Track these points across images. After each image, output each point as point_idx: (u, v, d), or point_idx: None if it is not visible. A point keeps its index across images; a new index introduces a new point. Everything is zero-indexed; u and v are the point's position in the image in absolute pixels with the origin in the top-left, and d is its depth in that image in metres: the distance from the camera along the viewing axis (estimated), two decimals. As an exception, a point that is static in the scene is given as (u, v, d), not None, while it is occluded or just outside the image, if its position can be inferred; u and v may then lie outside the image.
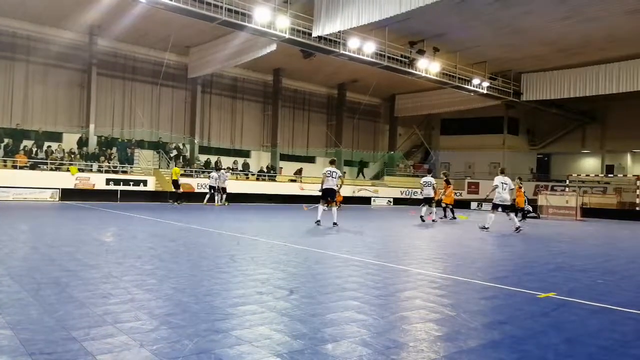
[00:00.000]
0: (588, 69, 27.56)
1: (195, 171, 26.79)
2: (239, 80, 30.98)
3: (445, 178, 19.96)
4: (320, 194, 13.24)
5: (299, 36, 21.46)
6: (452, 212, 19.40)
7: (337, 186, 13.08)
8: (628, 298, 5.49)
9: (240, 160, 29.99)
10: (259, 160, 31.81)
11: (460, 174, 36.92)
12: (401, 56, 25.17)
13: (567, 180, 26.49)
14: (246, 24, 19.83)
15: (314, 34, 21.33)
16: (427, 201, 16.91)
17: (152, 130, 27.45)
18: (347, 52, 22.97)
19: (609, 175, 32.14)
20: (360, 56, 23.41)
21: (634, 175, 28.22)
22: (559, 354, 3.48)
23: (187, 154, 28.46)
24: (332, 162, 13.74)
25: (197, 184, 25.00)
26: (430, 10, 19.58)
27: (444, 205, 19.40)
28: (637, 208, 25.06)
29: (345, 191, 30.39)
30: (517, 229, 13.78)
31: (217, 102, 30.33)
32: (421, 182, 17.50)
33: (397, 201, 32.46)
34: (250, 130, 31.64)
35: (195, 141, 28.79)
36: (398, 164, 38.44)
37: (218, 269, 6.16)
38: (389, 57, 24.47)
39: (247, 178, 28.62)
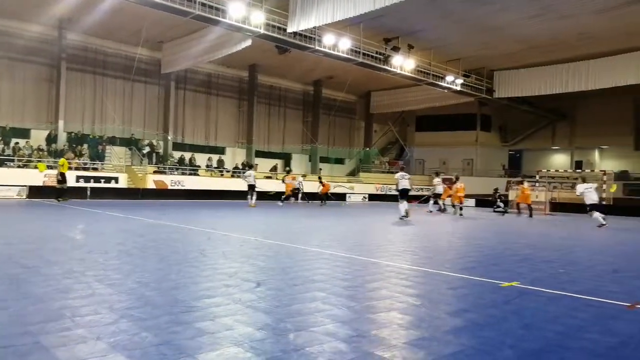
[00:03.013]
0: (558, 67, 28.15)
1: (169, 168, 26.44)
2: (213, 76, 30.66)
3: (520, 181, 22.11)
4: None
5: (273, 32, 21.35)
6: (518, 209, 21.72)
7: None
8: (588, 286, 5.64)
9: (215, 157, 29.71)
10: (234, 157, 31.59)
11: (435, 170, 37.33)
12: (376, 53, 25.28)
13: (537, 176, 27.05)
14: (220, 18, 19.62)
15: (289, 30, 21.24)
16: (404, 194, 17.02)
17: (124, 127, 26.97)
18: (322, 48, 22.96)
19: (578, 170, 32.95)
20: (336, 52, 23.43)
21: (601, 171, 28.99)
22: (517, 339, 3.55)
23: (161, 151, 28.06)
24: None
25: (171, 181, 24.68)
26: (405, 8, 19.70)
27: (516, 203, 21.61)
28: (604, 202, 25.75)
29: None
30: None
31: (191, 98, 29.97)
32: (396, 176, 17.68)
33: (373, 197, 32.65)
34: (225, 126, 31.37)
35: (169, 138, 28.40)
36: (373, 161, 38.67)
37: (186, 263, 6.10)
38: (364, 54, 24.55)
39: (222, 175, 28.39)
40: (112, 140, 26.30)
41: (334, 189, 30.73)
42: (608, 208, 24.50)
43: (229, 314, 3.84)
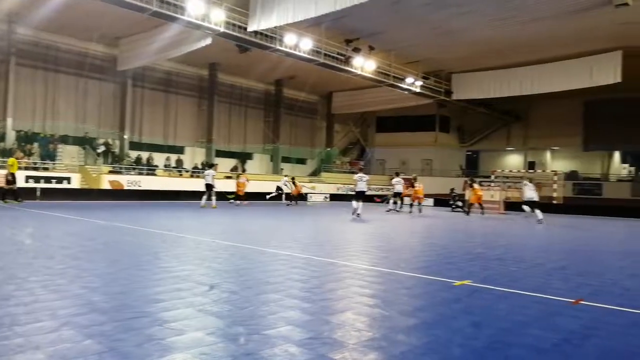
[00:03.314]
0: (513, 70, 29.04)
1: (125, 168, 25.71)
2: (172, 74, 30.03)
3: (470, 182, 22.74)
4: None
5: (234, 30, 21.10)
6: (469, 208, 22.18)
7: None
8: (536, 284, 5.84)
9: (174, 157, 29.11)
10: (194, 156, 31.04)
11: (395, 170, 37.88)
12: (337, 54, 25.40)
13: (493, 176, 27.87)
14: (179, 16, 19.22)
15: (250, 29, 21.05)
16: (359, 195, 17.30)
17: (78, 125, 26.02)
18: (283, 48, 22.88)
19: (530, 171, 34.15)
20: (297, 52, 23.39)
21: (552, 171, 30.15)
22: (465, 337, 3.63)
23: (117, 150, 27.24)
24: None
25: (127, 181, 24.00)
26: (366, 9, 19.88)
27: (469, 203, 22.25)
28: (554, 201, 26.83)
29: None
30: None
31: (149, 96, 29.24)
32: (354, 177, 18.09)
33: (335, 197, 32.79)
34: (184, 125, 30.78)
35: (125, 137, 27.61)
36: (335, 161, 38.86)
37: (137, 266, 5.93)
38: (325, 55, 24.62)
39: (181, 175, 27.84)
40: (65, 139, 25.33)
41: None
42: (558, 207, 25.52)
43: (179, 318, 3.76)
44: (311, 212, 20.15)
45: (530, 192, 18.48)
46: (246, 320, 3.79)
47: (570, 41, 24.87)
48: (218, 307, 4.14)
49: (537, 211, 17.73)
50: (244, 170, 24.60)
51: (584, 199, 30.34)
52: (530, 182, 19.63)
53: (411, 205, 22.02)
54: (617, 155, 37.48)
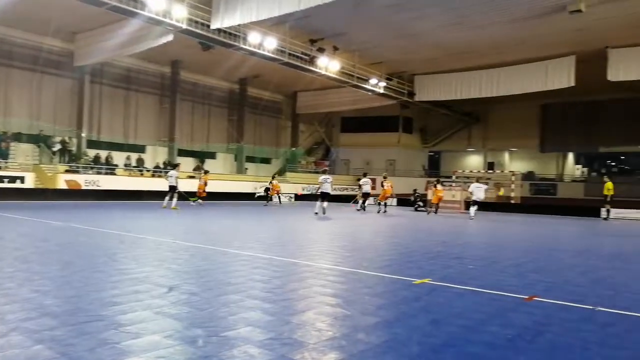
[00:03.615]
0: (473, 73, 29.76)
1: (83, 167, 24.89)
2: (133, 71, 29.26)
3: (435, 183, 23.09)
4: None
5: (197, 27, 20.73)
6: (431, 207, 22.68)
7: None
8: (492, 281, 6.00)
9: (135, 156, 28.40)
10: (155, 155, 30.36)
11: (359, 170, 38.20)
12: (302, 53, 25.37)
13: (454, 176, 28.49)
14: (139, 11, 18.72)
15: (213, 26, 20.74)
16: (324, 196, 17.46)
17: (32, 122, 25.01)
18: (247, 47, 22.65)
19: (490, 171, 35.13)
20: (261, 51, 23.21)
21: (510, 171, 31.10)
22: (424, 335, 3.69)
23: (74, 149, 26.33)
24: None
25: (85, 180, 23.24)
26: (330, 10, 19.91)
27: (431, 203, 22.75)
28: (512, 201, 27.68)
29: (248, 188, 30.16)
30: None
31: (109, 93, 28.39)
32: (320, 179, 18.29)
33: (299, 197, 32.74)
34: (145, 124, 30.05)
35: (83, 135, 26.71)
36: (300, 161, 38.83)
37: (93, 269, 5.75)
38: (289, 54, 24.53)
39: (142, 174, 27.18)
40: (18, 137, 24.30)
41: (260, 188, 30.50)
42: (515, 206, 26.32)
43: (136, 321, 3.66)
44: (277, 212, 20.06)
45: (479, 193, 19.84)
46: (205, 322, 3.73)
47: (527, 46, 25.69)
48: (176, 309, 4.06)
49: (472, 209, 19.47)
50: (206, 172, 24.18)
51: (540, 199, 31.41)
52: (477, 181, 21.17)
53: (379, 204, 22.30)
54: (571, 157, 39.00)
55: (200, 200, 21.82)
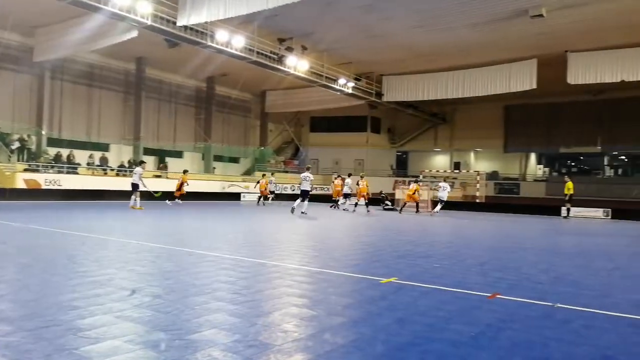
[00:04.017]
0: (439, 74, 30.24)
1: (43, 166, 24.05)
2: (96, 67, 28.45)
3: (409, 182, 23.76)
4: None
5: (162, 24, 20.32)
6: (355, 206, 22.76)
7: None
8: (457, 279, 6.10)
9: (98, 154, 27.63)
10: (120, 154, 29.63)
11: (328, 170, 38.30)
12: (270, 52, 25.22)
13: (421, 176, 28.91)
14: (101, 5, 18.20)
15: (179, 23, 20.36)
16: (304, 195, 17.85)
17: (-12, 119, 24.02)
18: (214, 45, 22.34)
19: (456, 171, 35.83)
20: (229, 49, 22.96)
21: (475, 171, 31.78)
22: (389, 334, 3.72)
23: (33, 147, 25.42)
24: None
25: (45, 180, 22.46)
26: (299, 9, 19.87)
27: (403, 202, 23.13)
28: (477, 200, 28.31)
29: (216, 187, 29.82)
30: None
31: (70, 90, 27.52)
32: (301, 176, 18.54)
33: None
34: (109, 121, 29.28)
35: (43, 132, 25.82)
36: (269, 160, 38.62)
37: (51, 271, 5.56)
38: (258, 53, 24.36)
39: (106, 173, 26.48)
40: (-28, 134, 23.31)
41: (229, 188, 30.25)
42: (480, 205, 26.92)
43: (96, 326, 3.55)
44: (247, 212, 19.89)
45: (443, 193, 21.55)
46: (168, 326, 3.65)
47: (491, 49, 26.29)
48: (139, 313, 3.95)
49: (438, 207, 21.43)
50: (185, 171, 23.84)
51: (504, 198, 32.21)
52: (444, 181, 22.52)
53: (356, 204, 22.67)
54: (533, 157, 40.14)
55: (178, 200, 21.81)
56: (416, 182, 23.94)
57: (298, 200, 17.86)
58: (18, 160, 23.59)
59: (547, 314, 4.55)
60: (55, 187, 22.40)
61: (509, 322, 4.20)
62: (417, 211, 22.58)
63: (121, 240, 8.63)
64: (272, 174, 28.43)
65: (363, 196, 22.43)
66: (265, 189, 26.25)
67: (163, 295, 4.61)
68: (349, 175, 24.07)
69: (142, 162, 20.18)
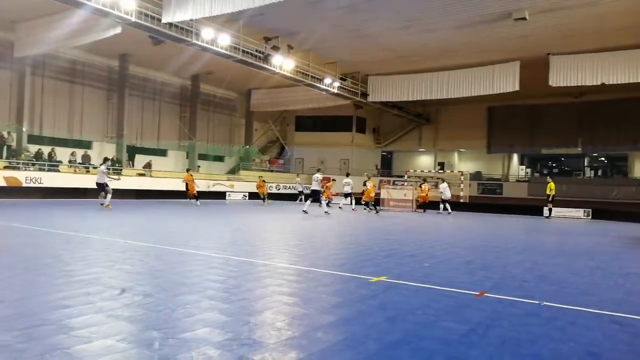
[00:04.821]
0: (424, 75, 30.49)
1: (24, 163, 23.60)
2: (78, 64, 28.02)
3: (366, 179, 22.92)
4: None
5: (147, 20, 20.09)
6: (375, 207, 22.63)
7: None
8: (445, 278, 6.18)
9: (80, 152, 27.23)
10: (102, 152, 29.21)
11: (314, 169, 38.31)
12: (256, 51, 25.15)
13: (406, 176, 29.13)
14: (84, 1, 17.91)
15: (164, 20, 20.17)
16: (314, 194, 18.59)
17: (-34, 115, 23.51)
18: (200, 42, 22.18)
19: (440, 171, 36.18)
20: (214, 47, 22.83)
21: (459, 171, 32.13)
22: (381, 332, 3.76)
23: (13, 144, 24.93)
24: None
25: (26, 177, 22.06)
26: (285, 8, 19.84)
27: (363, 201, 22.54)
28: (461, 200, 28.62)
29: (201, 185, 29.59)
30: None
31: (52, 87, 27.07)
32: (313, 177, 19.22)
33: (253, 195, 32.47)
34: (92, 119, 28.87)
35: (24, 129, 25.35)
36: (254, 159, 38.50)
37: (36, 271, 5.48)
38: (243, 51, 24.26)
39: (88, 171, 26.10)
40: (-49, 131, 22.79)
41: (214, 187, 30.08)
42: (464, 205, 27.23)
43: (87, 325, 3.52)
44: (230, 211, 19.80)
45: (447, 193, 22.82)
46: (161, 324, 3.64)
47: (474, 50, 26.61)
48: (130, 312, 3.93)
49: (448, 206, 22.49)
50: (187, 170, 23.88)
51: (487, 198, 32.63)
52: (443, 182, 22.48)
53: (367, 204, 22.58)
54: (515, 158, 40.72)
55: (196, 201, 22.19)
56: (425, 181, 24.47)
57: (308, 201, 18.59)
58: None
59: (534, 311, 4.64)
60: (37, 185, 22.02)
61: (497, 320, 4.28)
62: (424, 211, 23.04)
63: (106, 239, 8.54)
64: (297, 175, 30.04)
65: (370, 197, 22.33)
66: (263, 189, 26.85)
67: (154, 294, 4.58)
68: (347, 174, 24.07)
69: (105, 160, 19.24)
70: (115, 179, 18.62)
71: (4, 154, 23.76)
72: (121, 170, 26.94)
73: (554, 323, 4.27)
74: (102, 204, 16.86)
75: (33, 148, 25.46)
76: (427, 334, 3.77)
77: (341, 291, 5.25)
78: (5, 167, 21.99)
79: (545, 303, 4.90)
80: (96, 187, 17.53)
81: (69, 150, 26.64)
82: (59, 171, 24.31)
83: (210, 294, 4.67)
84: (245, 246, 8.78)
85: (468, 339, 3.70)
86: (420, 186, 23.92)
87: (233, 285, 5.22)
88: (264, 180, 27.86)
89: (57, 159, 25.46)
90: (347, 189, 22.82)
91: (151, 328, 3.54)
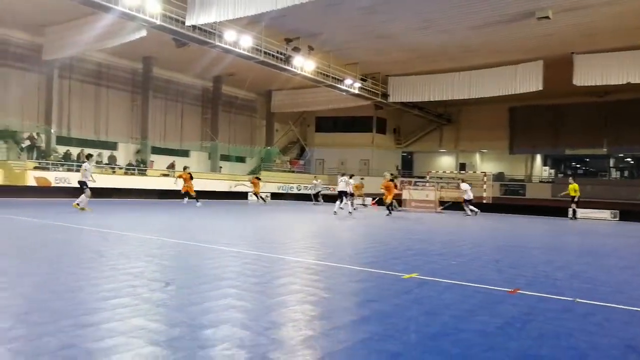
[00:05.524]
0: (445, 75, 30.39)
1: (53, 164, 24.25)
2: (103, 66, 28.68)
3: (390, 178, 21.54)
4: None
5: (171, 24, 20.52)
6: (396, 206, 22.39)
7: None
8: (475, 276, 6.23)
9: (107, 153, 27.85)
10: (128, 153, 29.84)
11: (334, 169, 38.45)
12: (277, 52, 25.40)
13: (427, 176, 29.05)
14: (112, 5, 18.39)
15: (188, 23, 20.56)
16: (340, 195, 18.60)
17: (-2, 117, 24.24)
18: (222, 45, 22.54)
19: (462, 172, 35.97)
20: (237, 49, 23.15)
21: (481, 172, 31.90)
22: (420, 324, 3.86)
23: (43, 145, 25.64)
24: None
25: (55, 178, 22.67)
26: (306, 10, 20.05)
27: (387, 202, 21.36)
28: (484, 201, 28.37)
29: (223, 186, 29.99)
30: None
31: (79, 89, 27.77)
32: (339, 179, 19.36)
33: (275, 196, 32.74)
34: (117, 120, 29.51)
35: (52, 131, 26.04)
36: (275, 160, 38.82)
37: (82, 265, 5.71)
38: (265, 53, 24.54)
39: (114, 172, 26.68)
40: (-18, 132, 23.54)
41: (236, 187, 30.40)
42: (487, 206, 26.99)
43: (140, 314, 3.70)
44: (253, 211, 20.02)
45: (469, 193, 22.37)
46: (209, 313, 3.79)
47: (496, 50, 26.45)
48: (178, 301, 4.11)
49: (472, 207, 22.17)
50: (184, 168, 23.67)
51: (509, 199, 32.31)
52: (464, 182, 22.93)
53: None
54: (539, 159, 40.23)
55: (196, 201, 20.80)
56: (463, 181, 24.46)
57: (337, 202, 18.69)
58: (28, 158, 23.80)
59: (568, 308, 4.68)
60: (65, 184, 22.59)
61: (533, 314, 4.33)
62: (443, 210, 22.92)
63: (141, 236, 8.79)
64: (315, 177, 30.17)
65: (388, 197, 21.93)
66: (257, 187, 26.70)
67: (195, 287, 4.75)
68: (351, 176, 23.50)
69: (89, 156, 17.49)
70: (91, 181, 15.67)
71: (34, 155, 24.42)
72: (145, 171, 27.48)
73: (589, 319, 4.31)
74: (78, 204, 14.62)
75: (61, 149, 26.12)
76: (465, 326, 3.85)
77: (375, 287, 5.36)
78: (36, 168, 22.62)
79: (578, 300, 4.93)
80: (78, 185, 15.44)
81: (95, 152, 27.26)
82: (86, 171, 24.81)
83: (248, 288, 4.82)
84: (275, 243, 8.94)
85: (505, 331, 3.77)
86: (459, 186, 23.93)
87: (269, 279, 5.36)
88: (257, 178, 27.49)
89: (85, 160, 26.03)
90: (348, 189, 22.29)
91: (200, 316, 3.70)
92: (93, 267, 5.60)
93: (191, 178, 21.66)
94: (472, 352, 3.24)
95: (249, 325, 3.56)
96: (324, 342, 3.26)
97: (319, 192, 28.33)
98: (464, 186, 22.31)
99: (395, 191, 21.20)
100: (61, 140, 26.69)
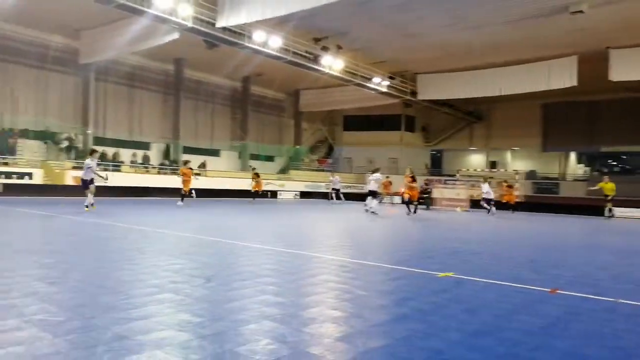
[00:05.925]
0: (475, 72, 29.91)
1: (89, 164, 24.96)
2: (136, 69, 29.39)
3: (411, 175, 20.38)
4: None
5: (202, 26, 20.85)
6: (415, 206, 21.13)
7: None
8: (513, 275, 6.15)
9: (140, 153, 28.53)
10: (161, 152, 30.48)
11: (362, 168, 38.37)
12: (306, 52, 25.51)
13: (458, 175, 28.70)
14: (145, 9, 18.82)
15: (218, 25, 20.86)
16: (372, 194, 18.23)
17: (38, 119, 25.11)
18: (252, 45, 22.78)
19: (493, 170, 35.37)
20: (266, 50, 23.35)
21: (513, 170, 31.30)
22: (460, 322, 3.85)
23: (80, 145, 26.45)
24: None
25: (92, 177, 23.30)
26: (334, 9, 20.07)
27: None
28: (517, 199, 27.85)
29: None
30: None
31: (113, 91, 28.53)
32: (369, 178, 18.87)
33: (304, 194, 32.93)
34: (150, 121, 30.19)
35: (89, 132, 26.84)
36: (303, 159, 38.99)
37: (126, 261, 5.90)
38: (293, 52, 24.68)
39: (148, 171, 27.30)
40: (25, 133, 24.42)
41: (266, 185, 30.64)
42: (519, 205, 26.52)
43: (185, 309, 3.81)
44: (284, 210, 20.18)
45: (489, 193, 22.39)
46: (249, 309, 3.88)
47: (528, 46, 25.88)
48: (219, 297, 4.20)
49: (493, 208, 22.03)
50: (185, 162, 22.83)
51: (542, 198, 31.60)
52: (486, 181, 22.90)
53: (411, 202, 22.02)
54: (573, 156, 39.21)
55: (191, 195, 19.71)
56: (506, 182, 24.37)
57: (368, 200, 18.35)
58: (67, 158, 24.58)
59: (611, 308, 4.58)
60: (102, 184, 23.16)
61: (576, 314, 4.26)
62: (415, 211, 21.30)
63: (177, 234, 9.00)
64: (332, 174, 29.23)
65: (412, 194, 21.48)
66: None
67: (234, 283, 4.85)
68: (377, 169, 22.57)
69: (93, 152, 15.96)
70: (103, 179, 15.23)
71: (73, 155, 25.21)
72: (178, 170, 27.87)
73: (635, 319, 4.22)
74: (86, 206, 13.89)
75: (98, 149, 26.82)
76: (507, 325, 3.82)
77: (411, 285, 5.36)
78: (74, 167, 23.33)
79: (622, 300, 4.83)
80: (81, 183, 14.59)
81: (130, 151, 27.96)
82: (121, 171, 25.55)
83: (284, 284, 4.90)
84: (309, 241, 9.02)
85: (549, 331, 3.72)
86: (509, 186, 23.78)
87: (305, 276, 5.43)
88: (257, 174, 25.26)
89: (120, 160, 26.76)
90: (375, 187, 21.58)
91: (242, 311, 3.78)
92: (136, 263, 5.78)
93: (194, 173, 20.32)
94: (517, 351, 3.23)
95: (288, 321, 3.62)
96: (364, 339, 3.30)
97: (339, 189, 27.19)
98: (485, 187, 22.13)
99: (414, 185, 19.67)
100: (97, 141, 27.44)
